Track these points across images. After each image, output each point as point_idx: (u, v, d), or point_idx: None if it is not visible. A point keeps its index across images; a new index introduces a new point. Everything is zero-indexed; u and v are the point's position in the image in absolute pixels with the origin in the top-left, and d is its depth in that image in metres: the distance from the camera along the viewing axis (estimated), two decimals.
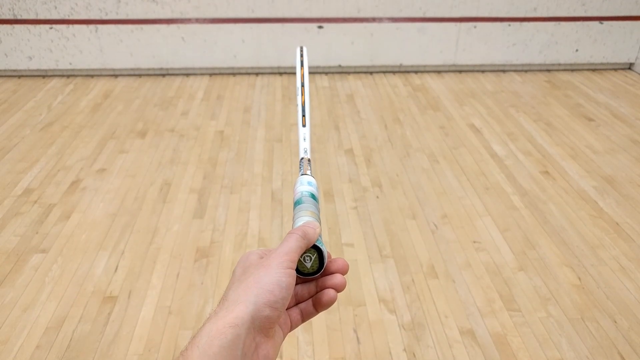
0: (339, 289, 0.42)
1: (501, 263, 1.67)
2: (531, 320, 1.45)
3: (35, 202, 1.95)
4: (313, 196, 0.47)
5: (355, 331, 1.42)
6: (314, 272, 0.42)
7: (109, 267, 1.63)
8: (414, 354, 1.35)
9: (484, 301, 1.52)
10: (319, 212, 0.47)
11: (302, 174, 0.50)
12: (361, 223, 1.86)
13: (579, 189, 2.07)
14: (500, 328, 1.43)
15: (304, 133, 0.55)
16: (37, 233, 1.78)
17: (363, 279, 1.60)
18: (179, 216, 1.88)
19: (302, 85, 0.58)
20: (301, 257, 0.41)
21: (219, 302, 0.37)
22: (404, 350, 1.37)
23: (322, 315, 1.46)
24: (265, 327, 0.36)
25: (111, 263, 1.65)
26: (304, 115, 0.56)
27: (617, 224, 1.86)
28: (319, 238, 0.42)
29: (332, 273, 0.43)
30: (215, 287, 1.56)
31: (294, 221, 0.45)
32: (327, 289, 0.42)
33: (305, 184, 0.48)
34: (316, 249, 0.42)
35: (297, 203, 0.46)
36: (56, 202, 1.95)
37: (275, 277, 0.36)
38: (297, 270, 0.41)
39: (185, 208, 1.93)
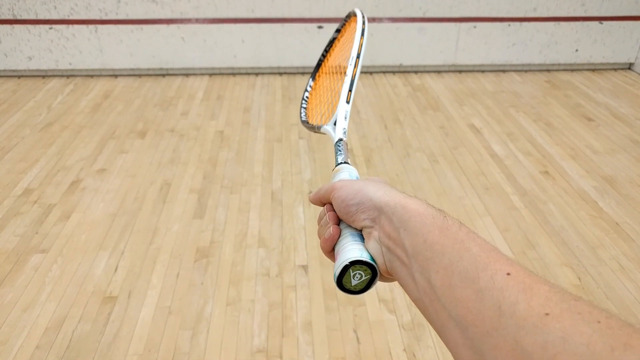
0: None
1: None
2: None
3: (35, 202, 1.95)
4: None
5: (355, 331, 1.42)
6: (357, 291, 0.38)
7: (109, 267, 1.63)
8: (413, 354, 1.35)
9: None
10: None
11: (344, 162, 0.45)
12: None
13: (579, 189, 2.07)
14: None
15: (346, 110, 0.48)
16: (37, 233, 1.78)
17: None
18: (179, 216, 1.88)
19: (358, 57, 0.51)
20: (351, 271, 0.37)
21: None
22: (404, 350, 1.36)
23: (322, 315, 1.46)
24: None
25: (111, 263, 1.65)
26: (350, 90, 0.49)
27: (617, 224, 1.86)
28: (371, 256, 0.37)
29: None
30: (215, 287, 1.56)
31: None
32: None
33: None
34: (371, 269, 0.37)
35: None
36: (56, 202, 1.95)
37: None
38: (340, 284, 0.38)
39: (185, 208, 1.93)
